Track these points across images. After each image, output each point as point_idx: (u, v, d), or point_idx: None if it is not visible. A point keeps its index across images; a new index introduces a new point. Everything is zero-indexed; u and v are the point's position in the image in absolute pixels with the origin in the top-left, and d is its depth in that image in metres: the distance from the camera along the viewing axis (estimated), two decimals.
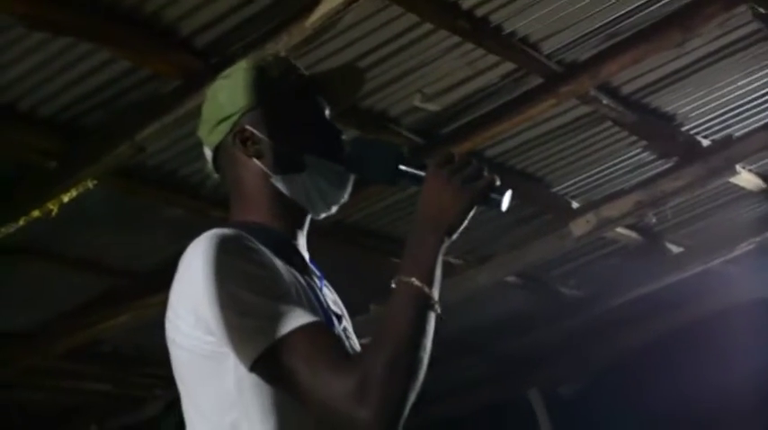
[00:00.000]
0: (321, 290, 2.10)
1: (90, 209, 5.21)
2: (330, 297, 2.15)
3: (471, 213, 2.00)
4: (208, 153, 2.21)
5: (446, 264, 6.36)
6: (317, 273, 2.15)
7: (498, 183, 2.01)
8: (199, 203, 5.41)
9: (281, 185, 2.13)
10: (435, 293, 1.92)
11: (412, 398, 1.85)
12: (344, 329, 2.10)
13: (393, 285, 1.92)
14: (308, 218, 2.18)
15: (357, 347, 2.11)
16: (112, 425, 8.30)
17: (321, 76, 2.25)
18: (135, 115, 4.58)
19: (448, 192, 1.98)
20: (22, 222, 4.94)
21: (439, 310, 1.92)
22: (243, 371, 1.90)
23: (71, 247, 5.77)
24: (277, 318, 1.87)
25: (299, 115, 2.17)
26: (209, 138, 2.19)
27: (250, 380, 1.91)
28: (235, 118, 2.15)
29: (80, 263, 5.93)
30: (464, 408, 9.29)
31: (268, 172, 2.13)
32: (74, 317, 6.41)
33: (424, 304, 1.90)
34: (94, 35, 4.10)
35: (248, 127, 2.14)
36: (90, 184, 4.77)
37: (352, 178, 2.16)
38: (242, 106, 2.15)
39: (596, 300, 7.79)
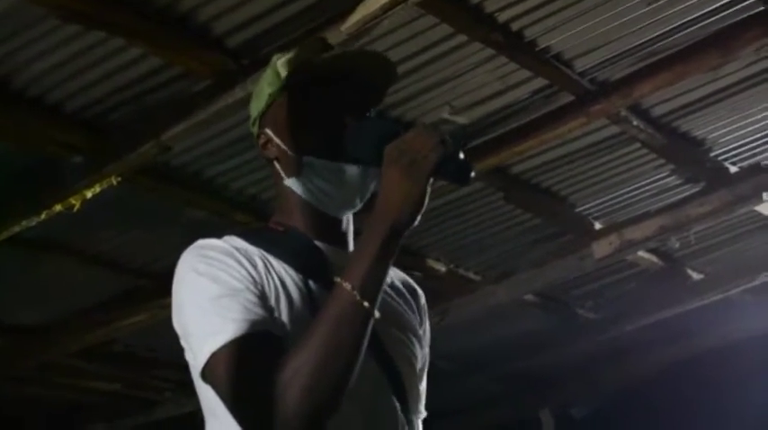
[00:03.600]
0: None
1: (112, 206, 5.19)
2: None
3: (425, 199, 1.85)
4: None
5: (465, 280, 6.34)
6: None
7: (460, 154, 1.87)
8: (222, 206, 5.39)
9: (293, 187, 2.10)
10: (369, 298, 1.83)
11: (320, 408, 1.79)
12: None
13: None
14: (336, 218, 2.13)
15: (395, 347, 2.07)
16: (121, 425, 8.29)
17: (350, 64, 2.13)
18: (163, 113, 4.55)
19: (393, 178, 1.85)
20: (43, 216, 4.92)
21: (376, 315, 1.84)
22: None
23: (91, 244, 5.75)
24: (211, 334, 1.86)
25: (302, 114, 2.10)
26: (253, 133, 2.18)
27: None
28: (258, 122, 2.15)
29: (99, 260, 5.91)
30: (475, 427, 9.26)
31: (282, 175, 2.11)
32: (89, 314, 6.40)
33: (352, 311, 1.82)
34: (126, 31, 4.07)
35: (267, 130, 2.13)
36: (114, 181, 4.75)
37: (360, 173, 2.06)
38: (259, 110, 2.14)
39: (612, 324, 7.75)
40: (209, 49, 4.26)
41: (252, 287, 1.92)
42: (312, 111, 2.09)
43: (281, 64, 2.13)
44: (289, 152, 2.09)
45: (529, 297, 7.24)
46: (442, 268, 6.60)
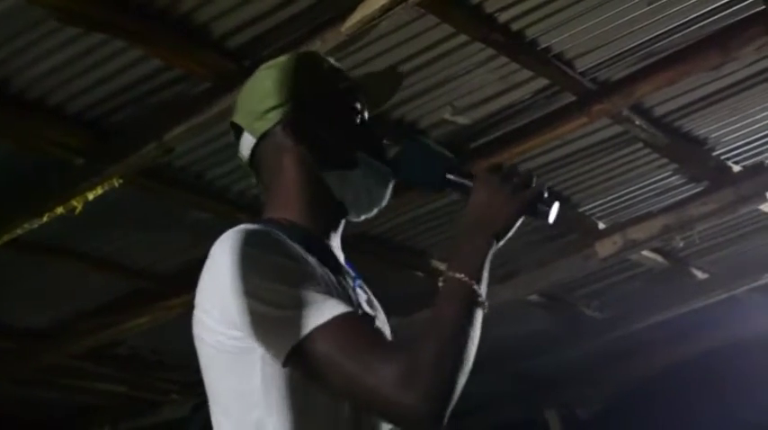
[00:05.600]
0: (354, 289, 2.06)
1: (114, 208, 5.20)
2: (363, 297, 2.10)
3: (519, 222, 2.00)
4: (249, 142, 2.16)
5: None
6: (352, 274, 2.12)
7: (546, 194, 2.01)
8: (225, 207, 5.38)
9: (330, 180, 2.10)
10: (483, 291, 1.90)
11: (458, 390, 1.82)
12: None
13: (440, 283, 1.91)
14: (344, 220, 2.16)
15: None
16: (125, 427, 8.29)
17: (360, 79, 2.24)
18: (164, 115, 4.55)
19: (498, 199, 1.98)
20: (45, 218, 4.92)
21: (486, 308, 1.90)
22: (269, 367, 1.87)
23: (94, 246, 5.76)
24: (312, 308, 1.83)
25: (350, 112, 2.15)
26: (256, 125, 2.13)
27: (276, 377, 1.88)
28: (287, 107, 2.12)
29: (102, 262, 5.91)
30: (480, 427, 9.24)
31: (320, 165, 2.11)
32: (94, 316, 6.41)
33: (472, 300, 1.88)
34: (127, 33, 4.07)
35: (304, 116, 2.12)
36: (116, 183, 4.75)
37: (393, 182, 2.15)
38: (296, 95, 2.12)
39: (618, 323, 7.75)
40: (209, 50, 4.26)
41: (318, 272, 1.94)
42: (359, 113, 2.17)
43: (322, 59, 2.22)
44: (340, 145, 2.12)
45: (533, 297, 7.24)
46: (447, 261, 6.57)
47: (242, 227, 1.97)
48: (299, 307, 1.84)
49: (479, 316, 1.89)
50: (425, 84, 4.80)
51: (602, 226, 6.36)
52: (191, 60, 4.27)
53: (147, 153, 4.59)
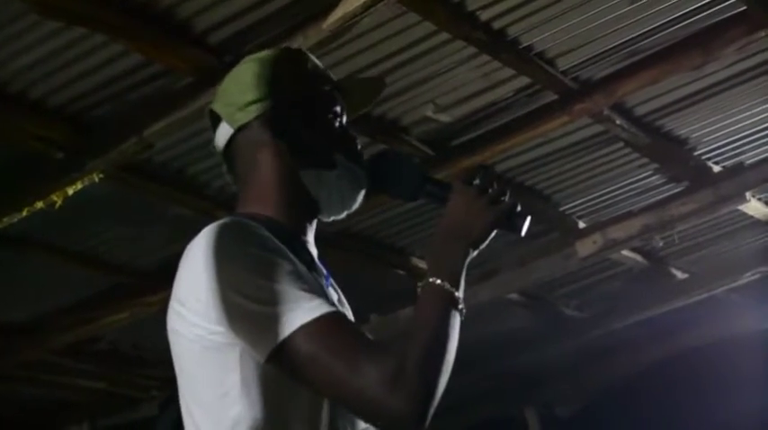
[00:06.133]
0: (327, 288, 2.05)
1: (95, 203, 5.18)
2: (335, 296, 2.10)
3: (493, 234, 2.04)
4: (226, 132, 2.14)
5: None
6: (324, 272, 2.11)
7: (519, 208, 2.06)
8: (205, 203, 5.37)
9: (307, 179, 2.10)
10: (461, 296, 1.94)
11: (440, 392, 1.85)
12: None
13: (419, 288, 1.96)
14: (317, 219, 2.15)
15: None
16: (104, 423, 8.26)
17: (342, 82, 2.24)
18: (145, 110, 4.54)
19: (474, 210, 2.03)
20: (25, 213, 4.90)
21: (464, 313, 1.94)
22: (249, 363, 1.87)
23: (74, 241, 5.73)
24: (296, 305, 1.83)
25: (332, 114, 2.15)
26: (235, 116, 2.12)
27: (256, 374, 1.87)
28: (268, 101, 2.11)
29: (82, 257, 5.89)
30: (460, 425, 9.25)
31: (297, 163, 2.10)
32: (73, 312, 6.38)
33: (452, 305, 1.91)
34: (108, 27, 4.05)
35: (285, 113, 2.11)
36: (96, 178, 4.73)
37: (366, 187, 2.16)
38: (278, 91, 2.12)
39: (598, 322, 7.76)
40: (190, 45, 4.25)
41: (298, 266, 1.93)
42: (339, 115, 2.17)
43: (308, 57, 2.21)
44: (321, 145, 2.12)
45: (513, 296, 7.24)
46: (426, 266, 6.55)
47: (222, 221, 1.97)
48: (282, 303, 1.83)
49: (458, 320, 1.91)
50: (407, 81, 4.79)
51: (582, 225, 6.37)
52: (172, 55, 4.26)
53: (128, 148, 4.57)
